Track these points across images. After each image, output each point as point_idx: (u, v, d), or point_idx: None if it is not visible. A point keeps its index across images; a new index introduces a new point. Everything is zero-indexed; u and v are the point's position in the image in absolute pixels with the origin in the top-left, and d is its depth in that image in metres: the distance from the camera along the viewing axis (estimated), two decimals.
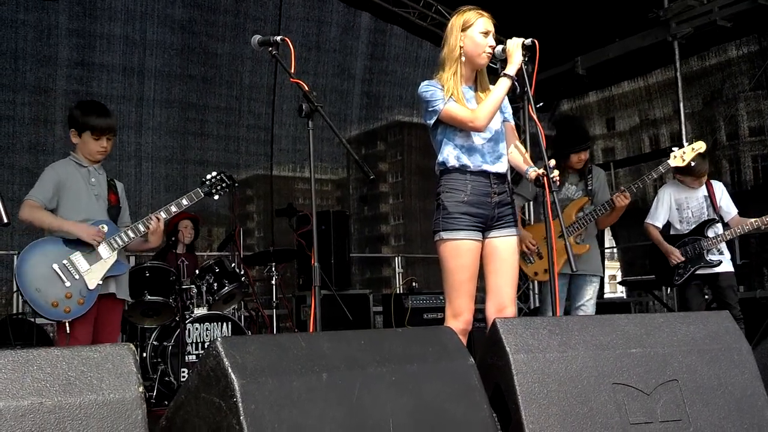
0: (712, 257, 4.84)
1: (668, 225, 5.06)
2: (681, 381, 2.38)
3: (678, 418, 2.31)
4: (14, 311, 5.94)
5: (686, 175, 4.95)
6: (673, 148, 4.38)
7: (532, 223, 4.65)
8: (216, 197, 3.84)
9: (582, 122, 7.09)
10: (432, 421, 2.02)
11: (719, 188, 5.02)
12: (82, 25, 7.17)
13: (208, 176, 3.83)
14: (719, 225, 4.90)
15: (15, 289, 3.29)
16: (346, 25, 8.61)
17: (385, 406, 1.95)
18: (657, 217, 5.03)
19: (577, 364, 2.29)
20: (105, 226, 3.54)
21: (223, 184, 3.84)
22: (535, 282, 7.79)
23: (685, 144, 4.40)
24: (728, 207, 4.95)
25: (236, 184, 3.93)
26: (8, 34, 6.80)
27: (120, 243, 3.54)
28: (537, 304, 8.21)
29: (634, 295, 9.11)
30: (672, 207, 5.03)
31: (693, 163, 4.44)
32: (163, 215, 3.63)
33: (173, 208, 3.68)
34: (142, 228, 3.59)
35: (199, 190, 3.76)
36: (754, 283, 7.38)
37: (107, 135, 3.59)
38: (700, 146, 4.32)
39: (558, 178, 3.07)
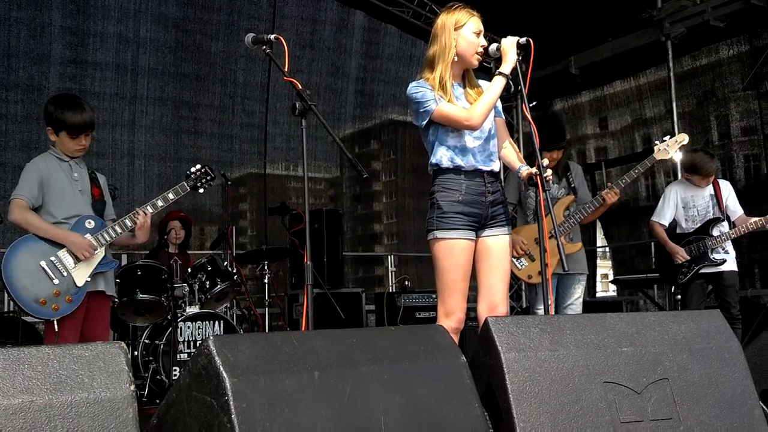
0: (717, 256, 4.84)
1: (674, 223, 5.05)
2: (672, 379, 2.39)
3: (668, 417, 2.32)
4: (5, 309, 5.92)
5: (694, 174, 4.93)
6: (656, 141, 4.37)
7: (518, 225, 4.60)
8: (201, 190, 3.82)
9: (560, 121, 6.91)
10: (424, 419, 2.02)
11: (726, 187, 5.00)
12: (76, 23, 7.14)
13: (193, 169, 3.81)
14: (724, 224, 4.88)
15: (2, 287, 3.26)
16: (340, 24, 8.61)
17: (377, 404, 1.95)
18: (663, 216, 5.02)
19: (568, 362, 2.30)
20: (92, 221, 3.50)
21: (208, 177, 3.82)
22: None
23: (668, 137, 4.39)
24: (735, 206, 4.94)
25: (229, 181, 3.91)
26: (1, 32, 6.77)
27: (107, 238, 3.50)
28: (528, 304, 8.22)
29: (626, 293, 9.13)
30: (678, 205, 5.01)
31: (680, 153, 4.43)
32: (150, 210, 3.60)
33: (160, 203, 3.65)
34: (129, 223, 3.55)
35: (185, 184, 3.74)
36: (745, 283, 7.40)
37: (84, 133, 3.51)
38: (683, 138, 4.30)
39: (551, 177, 3.08)
